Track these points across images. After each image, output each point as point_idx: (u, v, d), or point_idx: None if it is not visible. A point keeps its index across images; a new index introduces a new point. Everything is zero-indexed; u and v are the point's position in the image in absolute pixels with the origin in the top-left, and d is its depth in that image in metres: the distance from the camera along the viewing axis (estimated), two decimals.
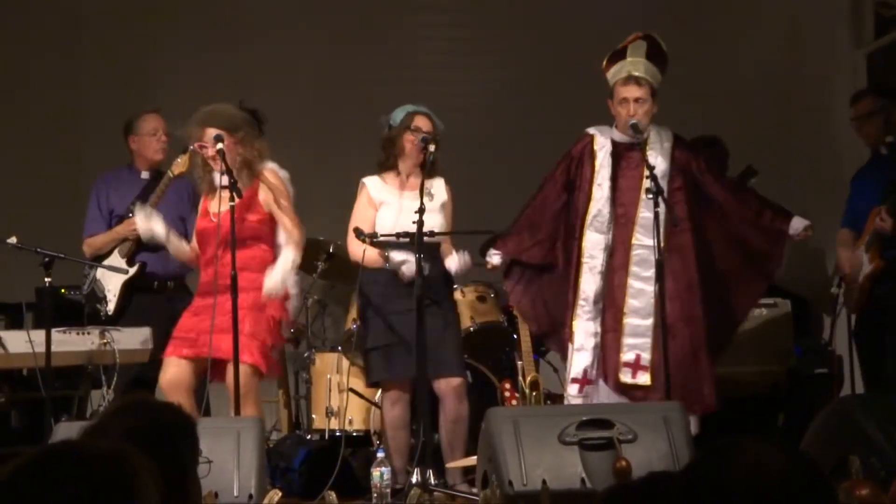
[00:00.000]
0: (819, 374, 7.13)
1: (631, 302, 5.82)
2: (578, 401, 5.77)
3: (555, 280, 5.98)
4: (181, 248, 5.88)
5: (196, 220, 5.98)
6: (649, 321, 5.79)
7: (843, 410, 5.14)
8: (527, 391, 6.31)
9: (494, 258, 6.00)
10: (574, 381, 5.81)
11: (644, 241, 5.78)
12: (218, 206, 5.70)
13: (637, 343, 5.80)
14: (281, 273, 5.67)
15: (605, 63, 5.91)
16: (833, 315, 7.00)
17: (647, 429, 4.97)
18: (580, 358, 5.81)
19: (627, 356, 5.80)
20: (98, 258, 6.56)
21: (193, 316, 5.75)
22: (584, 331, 5.83)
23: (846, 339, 6.78)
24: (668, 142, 5.91)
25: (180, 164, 6.40)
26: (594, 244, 5.85)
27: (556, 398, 6.35)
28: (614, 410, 5.20)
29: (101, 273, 6.51)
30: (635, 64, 5.84)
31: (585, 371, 5.80)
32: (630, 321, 5.82)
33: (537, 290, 6.03)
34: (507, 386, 6.37)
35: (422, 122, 5.92)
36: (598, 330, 5.82)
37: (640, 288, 5.80)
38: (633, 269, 5.82)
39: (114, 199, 6.64)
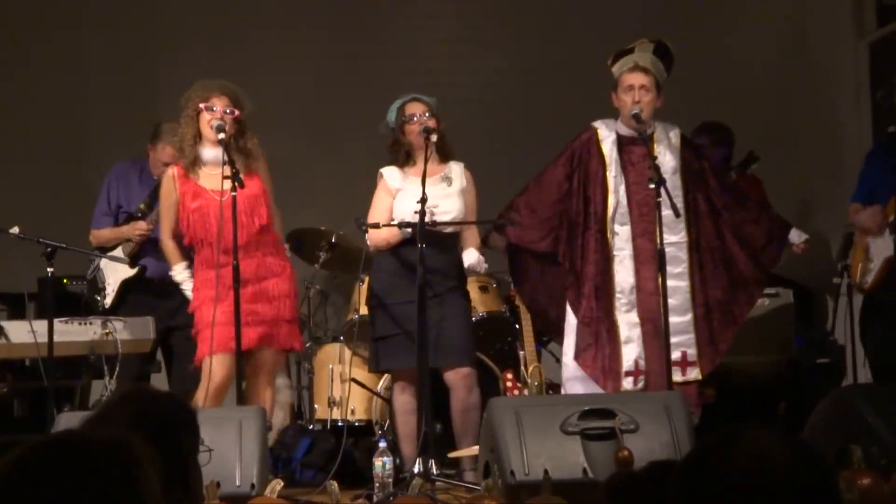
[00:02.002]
0: (821, 364, 7.13)
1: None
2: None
3: (553, 275, 5.98)
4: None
5: (179, 198, 5.71)
6: (688, 316, 5.77)
7: (843, 400, 5.14)
8: (528, 381, 6.31)
9: (498, 242, 6.01)
10: (628, 374, 5.76)
11: (669, 238, 5.73)
12: (221, 184, 5.53)
13: (680, 341, 5.75)
14: None
15: (610, 60, 5.89)
16: (836, 304, 6.99)
17: (648, 418, 4.97)
18: (629, 350, 5.77)
19: (673, 355, 5.74)
20: (102, 251, 6.57)
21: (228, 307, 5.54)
22: (627, 322, 5.79)
23: (848, 328, 6.77)
24: (676, 139, 5.89)
25: None
26: (620, 236, 5.83)
27: (558, 388, 6.34)
28: (616, 400, 5.20)
29: (104, 263, 6.52)
30: (643, 57, 5.84)
31: (637, 362, 5.78)
32: (670, 320, 5.76)
33: (538, 285, 6.04)
34: (509, 376, 6.36)
35: (414, 109, 5.87)
36: (638, 320, 5.80)
37: (674, 285, 5.72)
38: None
39: (122, 196, 6.63)
